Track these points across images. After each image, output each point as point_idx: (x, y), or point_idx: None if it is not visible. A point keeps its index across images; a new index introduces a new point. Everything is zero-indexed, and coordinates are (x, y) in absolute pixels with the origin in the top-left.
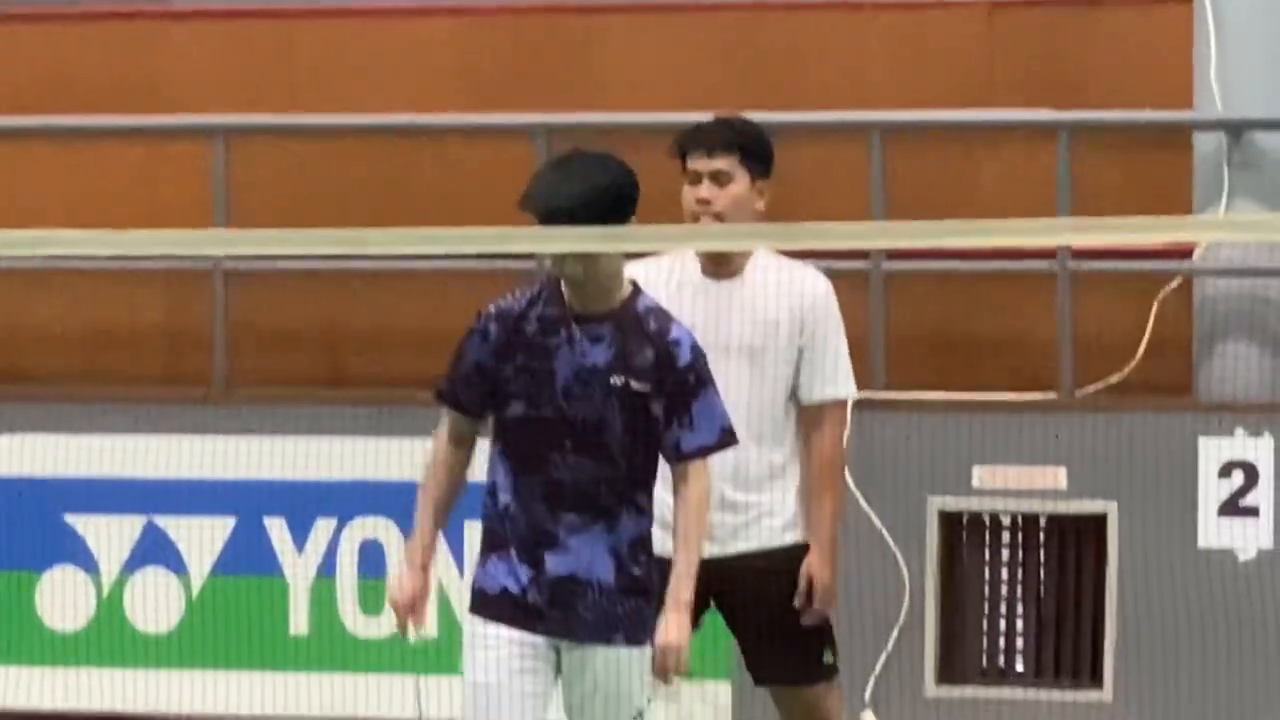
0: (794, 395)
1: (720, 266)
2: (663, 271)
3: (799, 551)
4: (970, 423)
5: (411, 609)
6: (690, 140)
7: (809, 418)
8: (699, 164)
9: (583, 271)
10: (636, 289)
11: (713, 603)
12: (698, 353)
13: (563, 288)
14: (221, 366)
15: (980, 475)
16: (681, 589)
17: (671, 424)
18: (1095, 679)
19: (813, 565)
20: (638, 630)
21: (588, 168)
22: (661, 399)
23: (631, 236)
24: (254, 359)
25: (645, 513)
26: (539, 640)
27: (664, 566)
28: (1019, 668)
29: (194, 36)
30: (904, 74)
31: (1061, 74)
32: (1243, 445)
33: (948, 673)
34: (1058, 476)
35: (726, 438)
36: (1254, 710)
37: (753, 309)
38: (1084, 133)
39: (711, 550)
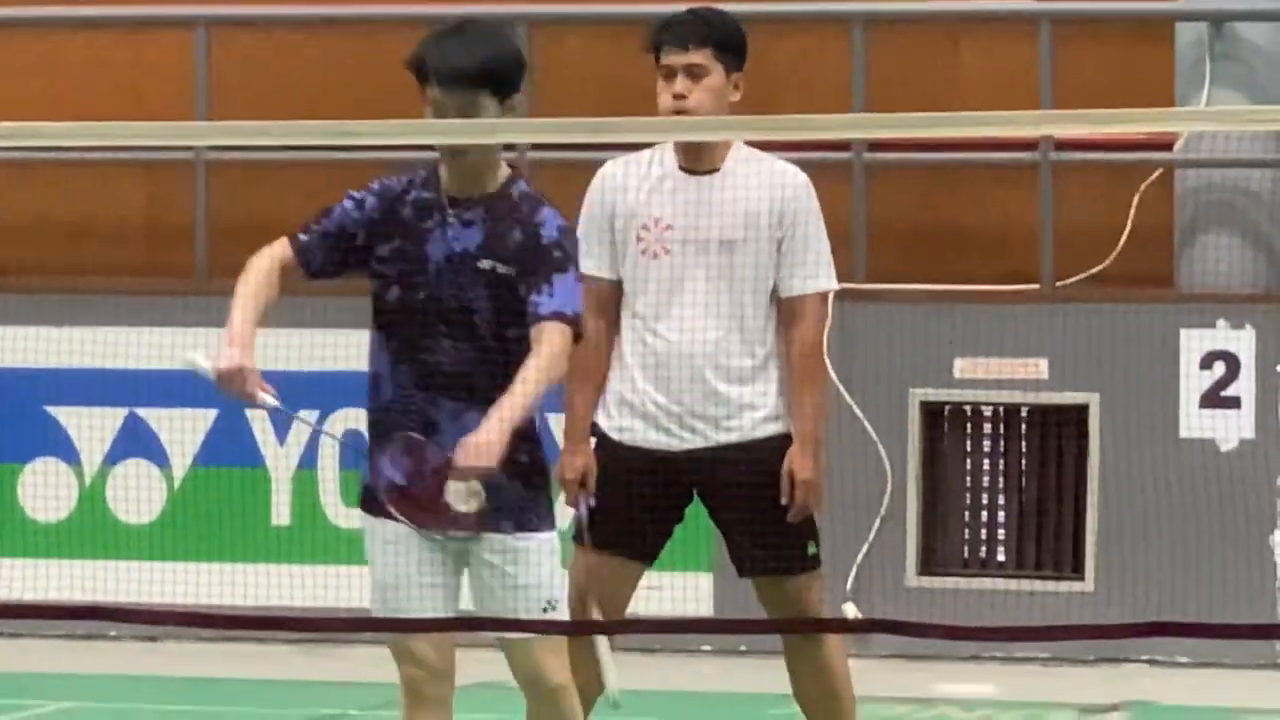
0: (774, 289)
1: (698, 161)
2: (641, 166)
3: (780, 442)
4: (951, 314)
5: (244, 379)
6: (664, 35)
7: (788, 311)
8: (673, 58)
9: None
10: (514, 174)
11: (696, 494)
12: (565, 232)
13: (440, 171)
14: (203, 258)
15: (961, 367)
16: (505, 410)
17: (531, 292)
18: (1076, 569)
19: (794, 460)
20: (530, 518)
21: (486, 36)
22: (527, 278)
23: (615, 128)
24: (235, 251)
25: None
26: (433, 532)
27: (636, 455)
28: (1000, 558)
29: None
30: None
31: None
32: (1224, 336)
33: (929, 563)
34: (1039, 368)
35: (579, 321)
36: (1234, 600)
37: (732, 203)
38: (1066, 24)
39: (694, 442)
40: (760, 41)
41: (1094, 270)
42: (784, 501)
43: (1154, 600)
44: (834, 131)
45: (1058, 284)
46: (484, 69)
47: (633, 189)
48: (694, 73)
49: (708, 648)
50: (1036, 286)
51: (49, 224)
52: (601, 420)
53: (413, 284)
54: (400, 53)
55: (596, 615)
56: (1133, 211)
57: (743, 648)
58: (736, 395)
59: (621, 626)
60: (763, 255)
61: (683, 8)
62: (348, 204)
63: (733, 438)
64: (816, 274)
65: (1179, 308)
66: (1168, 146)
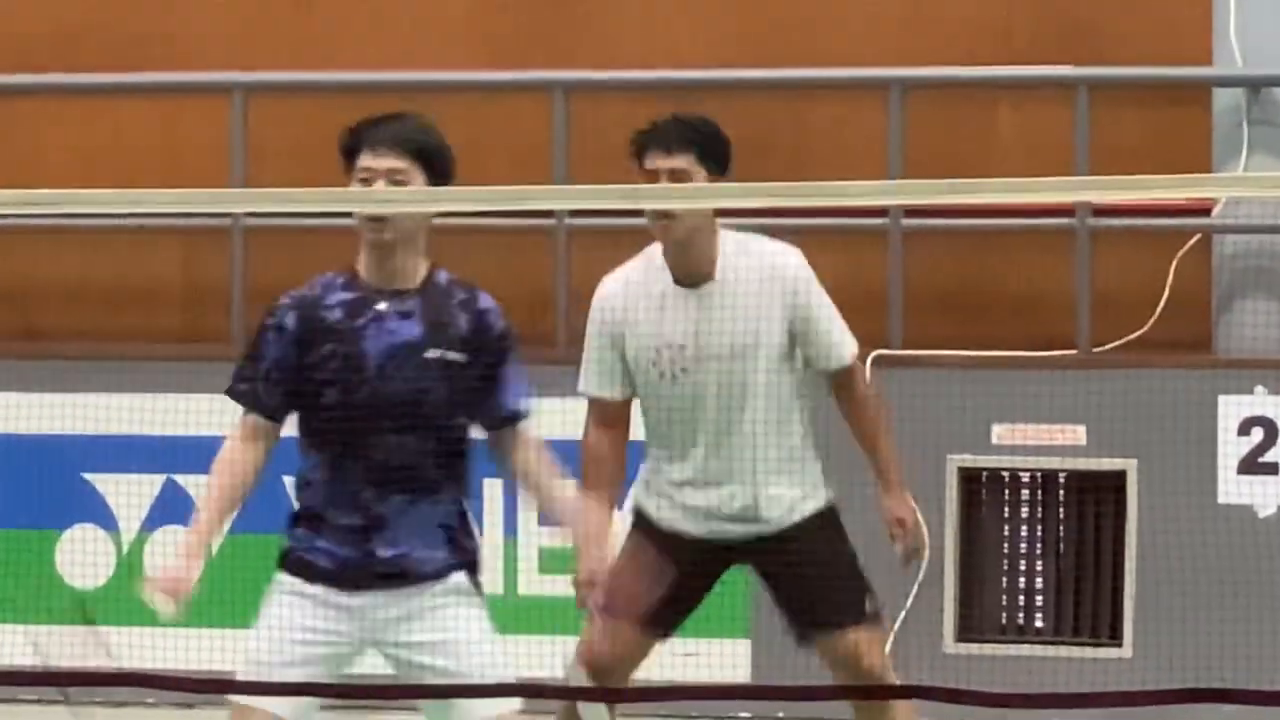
0: (805, 370)
1: (691, 275)
2: (641, 284)
3: (822, 516)
4: (989, 380)
5: (173, 593)
6: (648, 139)
7: (836, 382)
8: (658, 162)
9: (394, 235)
10: (433, 265)
11: (752, 570)
12: (507, 321)
13: (359, 269)
14: (240, 324)
15: (999, 433)
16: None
17: (493, 390)
18: (1115, 636)
19: (897, 509)
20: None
21: (428, 123)
22: (479, 367)
23: (649, 195)
24: None
25: (465, 485)
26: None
27: (672, 537)
28: (1038, 624)
29: None
30: (923, 30)
31: (1080, 29)
32: (1262, 402)
33: (967, 629)
34: (1077, 434)
35: (527, 414)
36: (1272, 666)
37: (734, 310)
38: (1103, 89)
39: (735, 534)
40: (796, 106)
41: (1132, 336)
42: (897, 549)
43: (1192, 667)
44: (871, 198)
45: (1095, 350)
46: (437, 149)
47: (635, 310)
48: (677, 177)
49: (746, 715)
50: (1074, 352)
51: (85, 289)
52: (640, 496)
53: (351, 384)
54: (436, 118)
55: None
56: (1170, 277)
57: (780, 715)
58: (775, 494)
59: (660, 694)
60: (778, 352)
61: (714, 76)
62: (269, 335)
63: (774, 529)
64: (843, 342)
65: (1217, 374)
66: (1205, 212)
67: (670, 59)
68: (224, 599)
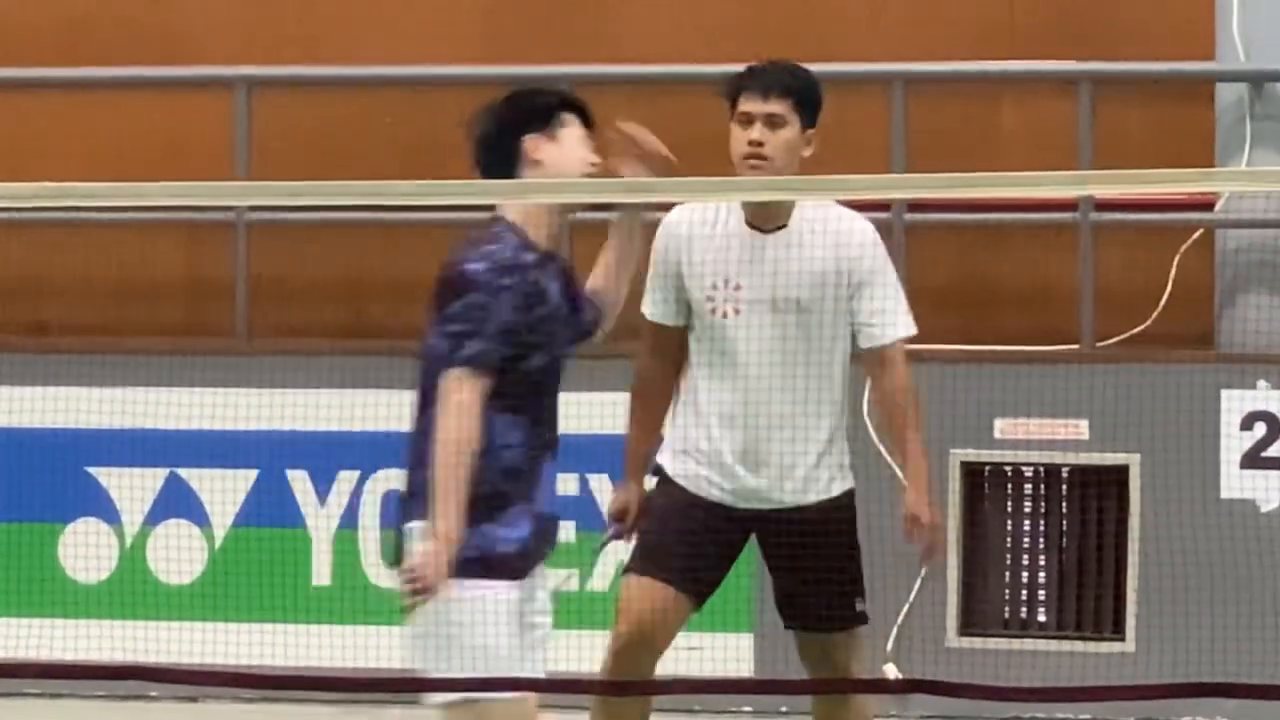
0: (851, 345)
1: (766, 218)
2: (706, 223)
3: (846, 499)
4: (992, 375)
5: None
6: (747, 81)
7: (874, 361)
8: (753, 105)
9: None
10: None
11: (756, 544)
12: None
13: (526, 230)
14: (243, 318)
15: (1002, 427)
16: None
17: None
18: (1117, 630)
19: (917, 506)
20: None
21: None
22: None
23: (649, 188)
24: (276, 311)
25: None
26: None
27: (697, 501)
28: (1041, 619)
29: None
30: (925, 24)
31: (1083, 24)
32: (1265, 397)
33: (969, 624)
34: (1080, 428)
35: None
36: (1276, 661)
37: (799, 261)
38: (1106, 84)
39: (758, 503)
40: None
41: (1134, 331)
42: (917, 546)
43: (1195, 661)
44: (875, 192)
45: (1098, 344)
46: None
47: (699, 244)
48: (773, 122)
49: (748, 709)
50: (1077, 347)
51: (90, 284)
52: (667, 461)
53: (554, 345)
54: (440, 112)
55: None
56: (1173, 272)
57: (784, 709)
58: (804, 460)
59: (662, 687)
60: (834, 315)
61: (717, 70)
62: (504, 298)
63: (798, 499)
64: (895, 321)
65: (1219, 368)
66: (1208, 207)
67: (673, 53)
68: (228, 593)
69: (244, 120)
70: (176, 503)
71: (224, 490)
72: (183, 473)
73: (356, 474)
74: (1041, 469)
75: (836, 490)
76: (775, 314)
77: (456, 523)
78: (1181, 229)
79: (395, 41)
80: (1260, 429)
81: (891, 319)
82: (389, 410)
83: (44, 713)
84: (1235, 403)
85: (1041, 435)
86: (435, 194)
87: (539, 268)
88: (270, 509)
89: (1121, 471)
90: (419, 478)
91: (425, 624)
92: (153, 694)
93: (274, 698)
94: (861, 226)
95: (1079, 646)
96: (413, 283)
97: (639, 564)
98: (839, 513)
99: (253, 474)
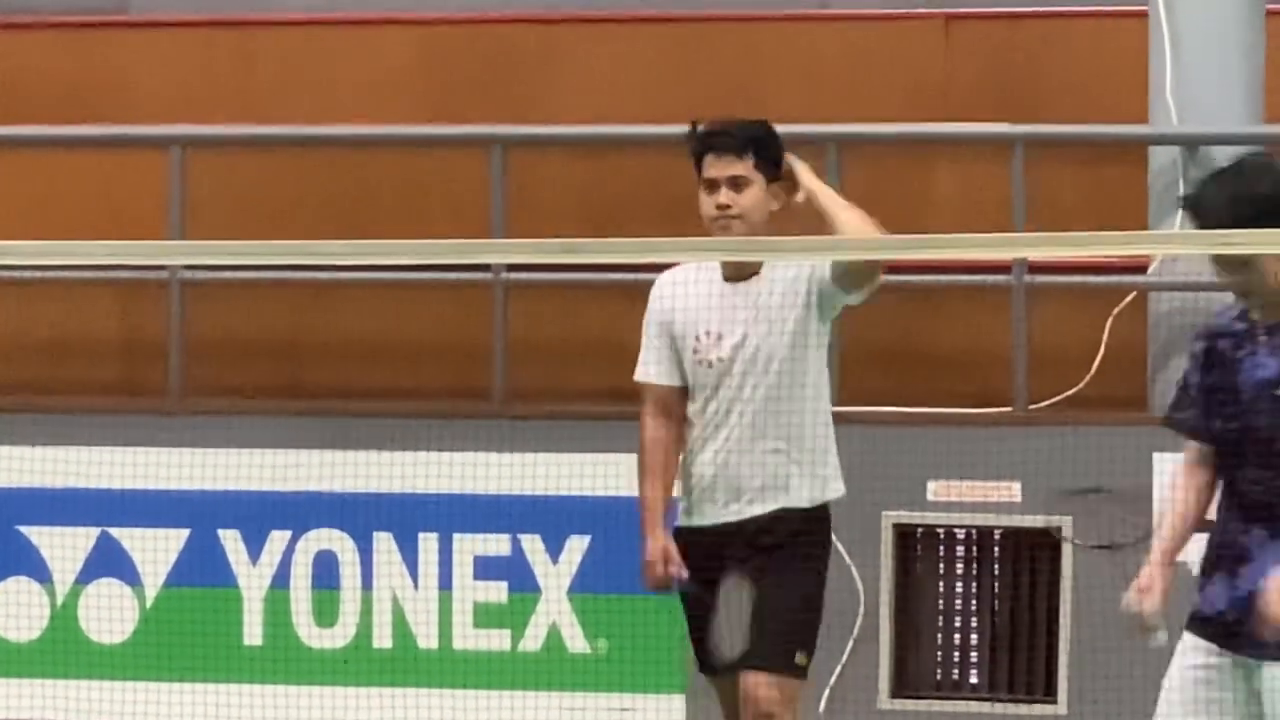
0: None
1: (739, 270)
2: (688, 281)
3: (819, 526)
4: (925, 437)
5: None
6: (708, 144)
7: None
8: (716, 170)
9: (1245, 281)
10: None
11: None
12: None
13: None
14: (177, 377)
15: (935, 489)
16: None
17: None
18: (1049, 692)
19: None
20: None
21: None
22: None
23: (588, 249)
24: (209, 370)
25: None
26: (1225, 657)
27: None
28: (973, 680)
29: (151, 45)
30: (860, 86)
31: (1017, 87)
32: None
33: (902, 685)
34: (1012, 490)
35: None
36: None
37: (772, 310)
38: (1040, 146)
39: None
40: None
41: (1068, 393)
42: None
43: None
44: (808, 253)
45: (1031, 406)
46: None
47: (682, 298)
48: (736, 184)
49: None
50: (1010, 409)
51: (22, 343)
52: (681, 521)
53: (1226, 414)
54: (375, 171)
55: None
56: (1106, 334)
57: None
58: (787, 473)
59: None
60: (814, 349)
61: (654, 130)
62: (1192, 363)
63: (769, 508)
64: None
65: (1152, 431)
66: (1142, 269)
67: (609, 115)
68: (160, 652)
69: (179, 178)
70: (108, 562)
71: (155, 549)
72: (114, 532)
73: (288, 534)
74: (974, 531)
75: (817, 498)
76: (754, 363)
77: None
78: (1115, 291)
79: (331, 101)
80: None
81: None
82: (321, 470)
83: None
84: (1167, 465)
85: (974, 497)
86: (370, 254)
87: (1222, 333)
88: (202, 568)
89: (1054, 534)
90: None
91: None
92: None
93: None
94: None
95: (1011, 709)
96: (346, 342)
97: (709, 664)
98: (809, 542)
99: (184, 533)
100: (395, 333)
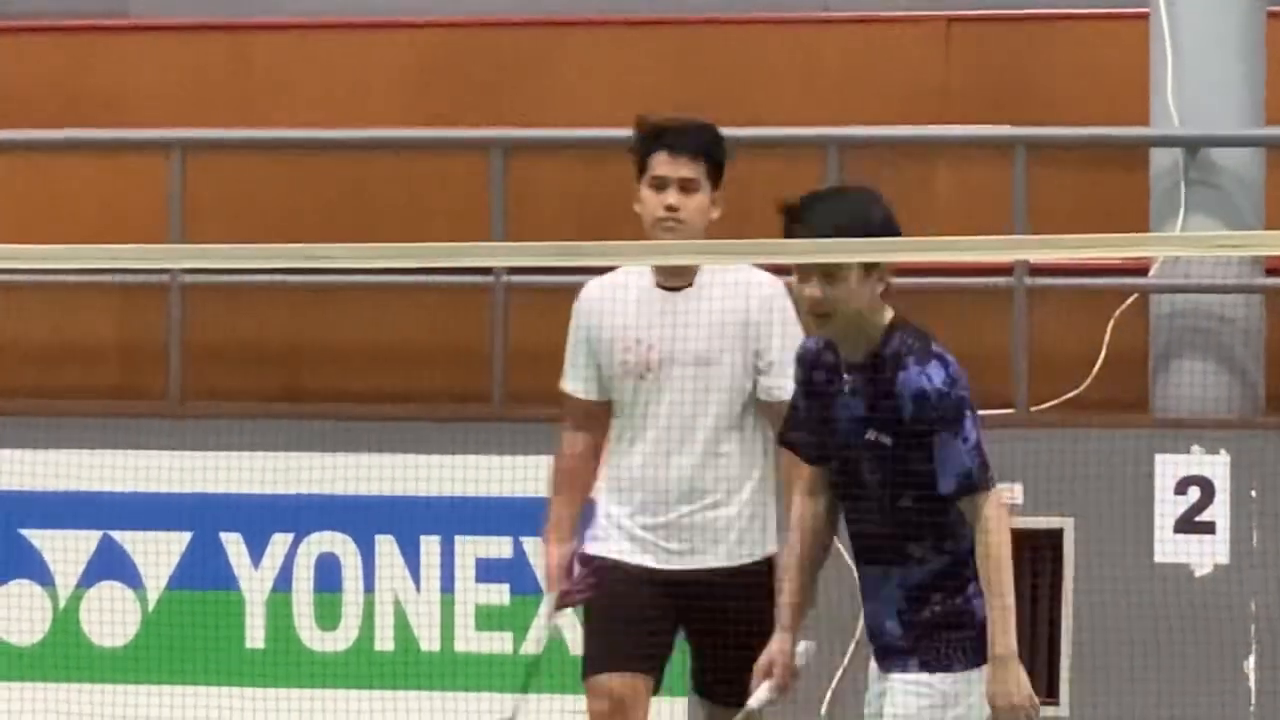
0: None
1: (674, 277)
2: (617, 287)
3: (759, 568)
4: None
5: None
6: (659, 143)
7: (772, 415)
8: (666, 169)
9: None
10: (893, 327)
11: (680, 617)
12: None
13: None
14: (177, 381)
15: None
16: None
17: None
18: (1051, 694)
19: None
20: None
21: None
22: (909, 447)
23: (584, 252)
24: (210, 373)
25: (925, 561)
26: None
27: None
28: None
29: (150, 48)
30: (861, 88)
31: (1018, 89)
32: (1199, 461)
33: None
34: (1014, 492)
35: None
36: None
37: (707, 315)
38: (1041, 148)
39: (676, 564)
40: (735, 165)
41: (1069, 395)
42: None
43: None
44: (809, 256)
45: (1032, 409)
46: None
47: (610, 311)
48: (686, 186)
49: None
50: (1011, 411)
51: (22, 346)
52: (591, 548)
53: (828, 445)
54: (374, 174)
55: None
56: (1108, 336)
57: None
58: (714, 518)
59: None
60: (740, 369)
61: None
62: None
63: (708, 564)
64: (788, 374)
65: (1154, 433)
66: (1143, 271)
67: (607, 119)
68: (162, 655)
69: (178, 182)
70: (110, 565)
71: (157, 552)
72: (116, 535)
73: (290, 536)
74: None
75: (746, 557)
76: (684, 371)
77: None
78: (1116, 293)
79: (331, 104)
80: (1194, 493)
81: (785, 372)
82: (323, 473)
83: None
84: (1169, 467)
85: None
86: (371, 257)
87: (816, 363)
88: (204, 571)
89: (1056, 536)
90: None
91: None
92: None
93: None
94: (761, 279)
95: None
96: (348, 345)
97: (596, 663)
98: (758, 579)
99: (186, 536)
100: (395, 336)
